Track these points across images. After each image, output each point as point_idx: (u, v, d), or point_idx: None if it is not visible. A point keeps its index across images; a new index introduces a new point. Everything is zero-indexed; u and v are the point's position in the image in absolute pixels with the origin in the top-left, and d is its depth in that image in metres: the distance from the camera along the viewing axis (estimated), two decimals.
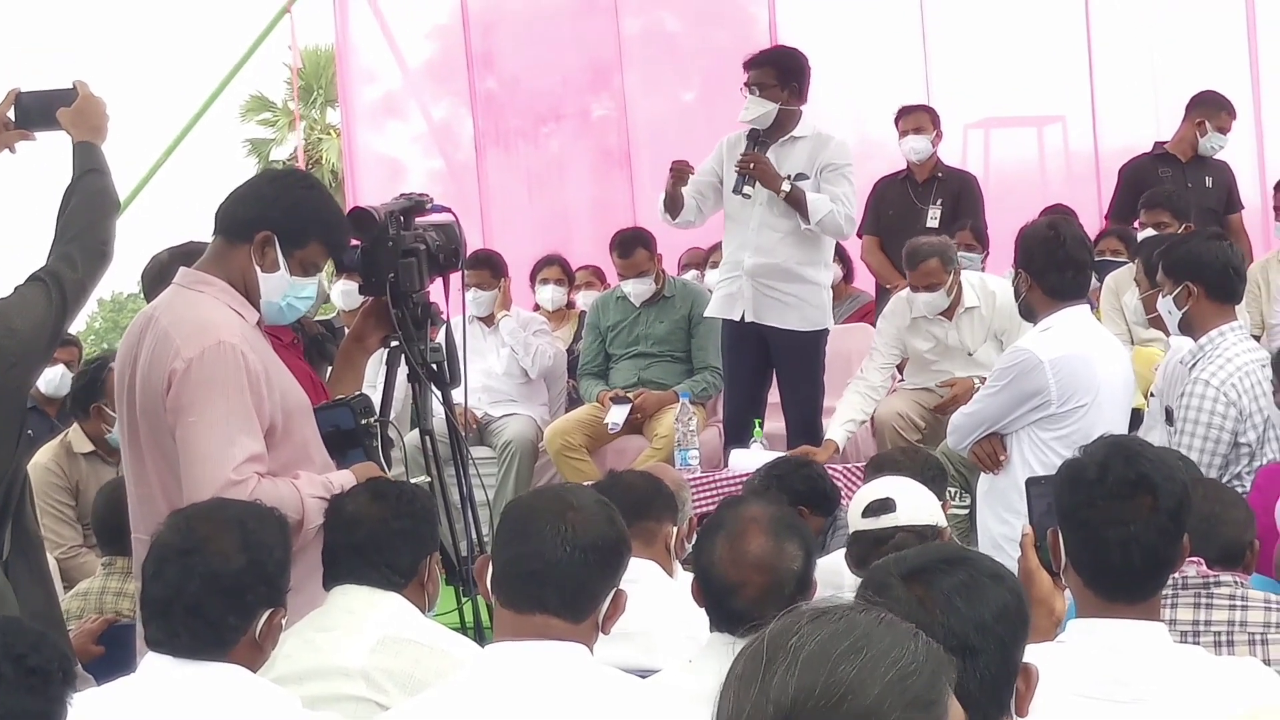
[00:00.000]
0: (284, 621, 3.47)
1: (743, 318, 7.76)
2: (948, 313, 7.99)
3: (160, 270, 5.06)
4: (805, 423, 7.84)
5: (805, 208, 7.52)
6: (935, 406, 7.95)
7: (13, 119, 4.76)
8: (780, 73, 7.67)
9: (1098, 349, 5.77)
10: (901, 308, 8.11)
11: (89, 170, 4.64)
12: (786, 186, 7.51)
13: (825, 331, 7.86)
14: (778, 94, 7.61)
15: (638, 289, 8.83)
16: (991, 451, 5.88)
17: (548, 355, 9.03)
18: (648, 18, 12.28)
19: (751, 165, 7.53)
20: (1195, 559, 3.74)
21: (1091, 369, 5.67)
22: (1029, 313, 5.84)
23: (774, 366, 7.91)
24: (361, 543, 3.95)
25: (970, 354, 7.97)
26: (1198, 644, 3.60)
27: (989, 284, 8.00)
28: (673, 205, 7.80)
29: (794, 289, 7.70)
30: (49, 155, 5.06)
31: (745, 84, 7.65)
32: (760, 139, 7.64)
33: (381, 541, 3.95)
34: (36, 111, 4.75)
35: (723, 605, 3.55)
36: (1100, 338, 5.92)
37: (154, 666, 3.31)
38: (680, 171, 7.72)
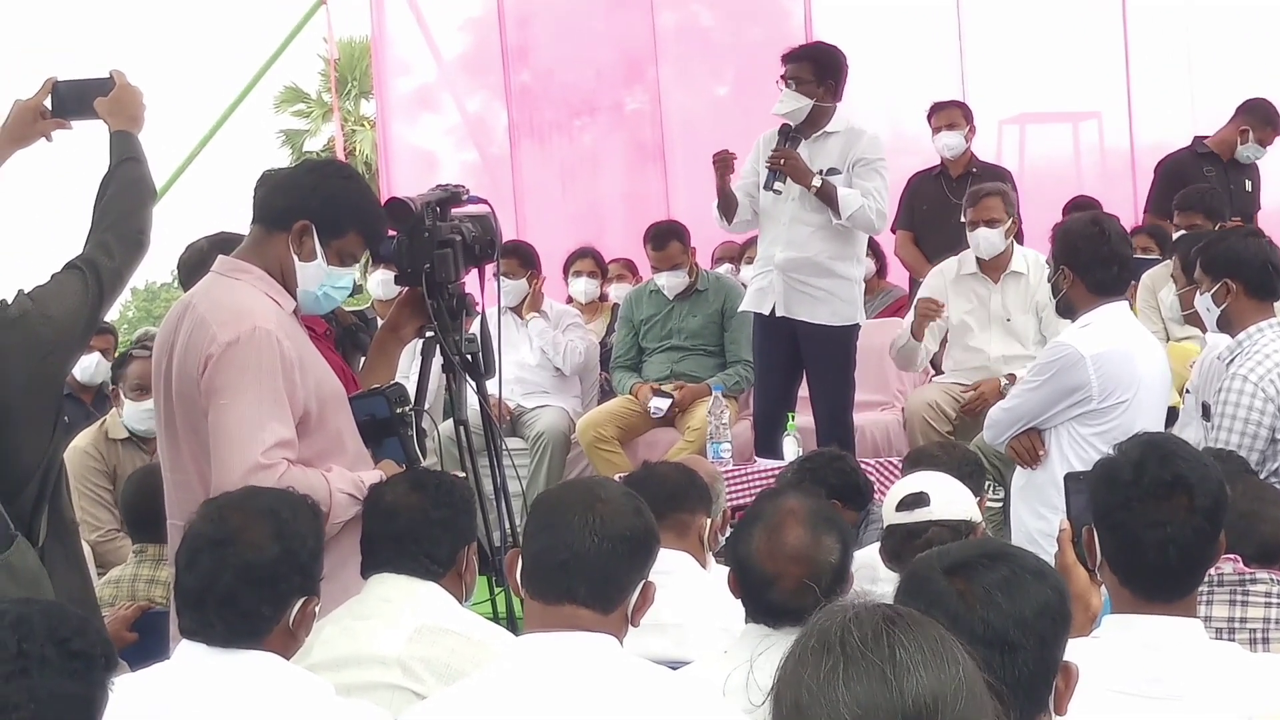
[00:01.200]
0: (317, 609, 3.48)
1: (773, 311, 7.75)
2: (994, 273, 7.97)
3: (198, 258, 5.09)
4: (835, 418, 7.80)
5: (836, 203, 7.50)
6: (963, 407, 7.93)
7: (49, 108, 4.78)
8: (818, 68, 7.64)
9: (1138, 345, 5.75)
10: (949, 266, 8.10)
11: (126, 159, 4.65)
12: (817, 182, 7.48)
13: (856, 327, 7.84)
14: (813, 89, 7.59)
15: (671, 282, 8.82)
16: (1030, 447, 5.86)
17: (579, 351, 9.02)
18: (682, 12, 12.27)
19: (782, 161, 7.52)
20: (1232, 556, 3.73)
21: (1133, 365, 5.66)
22: (1069, 309, 5.80)
23: (804, 361, 7.89)
24: (400, 532, 3.96)
25: (1008, 319, 7.94)
26: (1233, 640, 3.59)
27: (1038, 257, 7.95)
28: (726, 206, 7.76)
29: (825, 283, 7.68)
30: (86, 145, 5.07)
31: (782, 77, 7.63)
32: (793, 134, 7.62)
33: (420, 531, 3.96)
34: (73, 100, 4.76)
35: (760, 597, 3.56)
36: (1140, 334, 5.89)
37: (188, 654, 3.33)
38: (724, 161, 7.67)
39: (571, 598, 3.12)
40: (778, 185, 7.55)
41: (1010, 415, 5.93)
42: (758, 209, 7.82)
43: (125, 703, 2.90)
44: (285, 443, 4.11)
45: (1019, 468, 6.00)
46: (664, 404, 8.53)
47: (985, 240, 7.86)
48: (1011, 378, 7.60)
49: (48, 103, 4.77)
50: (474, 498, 4.32)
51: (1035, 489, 5.82)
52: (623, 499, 3.25)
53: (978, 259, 7.97)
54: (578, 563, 3.12)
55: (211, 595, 3.30)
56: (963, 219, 8.03)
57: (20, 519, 4.29)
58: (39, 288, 4.42)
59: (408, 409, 4.65)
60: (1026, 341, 7.89)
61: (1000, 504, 6.90)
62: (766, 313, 7.77)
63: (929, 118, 9.42)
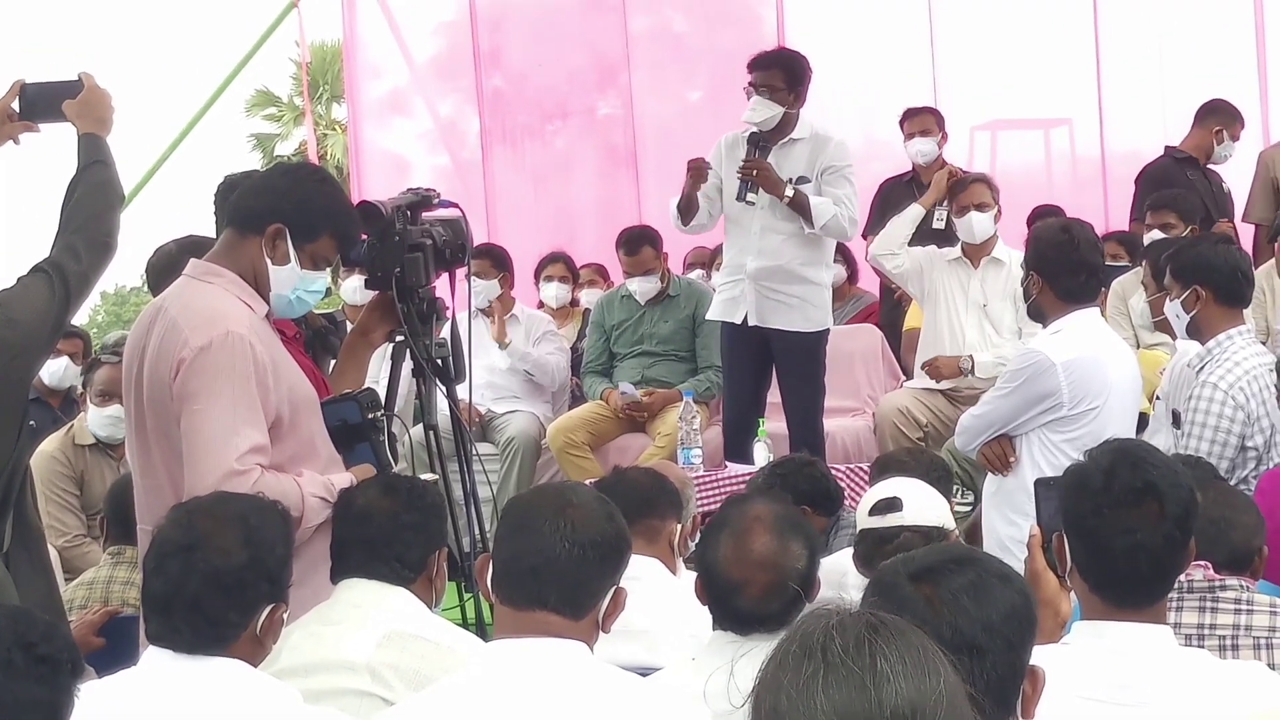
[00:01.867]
0: (285, 616, 3.46)
1: (744, 320, 7.74)
2: (975, 259, 8.02)
3: (167, 262, 5.06)
4: (807, 423, 7.81)
5: (809, 212, 7.51)
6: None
7: (17, 110, 4.75)
8: (788, 76, 7.64)
9: (1108, 352, 5.76)
10: (932, 250, 8.21)
11: (94, 162, 4.62)
12: (790, 192, 7.48)
13: (826, 332, 7.86)
14: (785, 97, 7.58)
15: (643, 287, 8.82)
16: (1001, 453, 5.87)
17: (561, 367, 9.08)
18: (655, 16, 12.27)
19: (754, 171, 7.51)
20: (1202, 563, 3.73)
21: (1103, 372, 5.67)
22: (1039, 314, 5.84)
23: (775, 368, 7.89)
24: (372, 536, 3.95)
25: (984, 305, 7.97)
26: (1203, 647, 3.59)
27: (1017, 255, 7.99)
28: (687, 209, 7.74)
29: (797, 290, 7.68)
30: (54, 147, 5.04)
31: (751, 84, 7.62)
32: (761, 142, 7.61)
33: (392, 535, 3.94)
34: (42, 103, 4.74)
35: (726, 603, 3.56)
36: (1111, 341, 5.92)
37: (154, 661, 3.31)
38: (699, 169, 7.63)
39: (542, 603, 3.11)
40: (750, 196, 7.54)
41: (981, 422, 5.94)
42: (714, 212, 7.81)
43: (90, 709, 2.88)
44: (259, 448, 4.09)
45: (990, 474, 6.00)
46: (631, 389, 8.53)
47: (977, 224, 7.94)
48: (969, 360, 7.80)
49: (15, 105, 4.74)
50: (444, 503, 4.31)
51: (1006, 495, 5.83)
52: (594, 504, 3.24)
53: (963, 245, 8.00)
54: (548, 568, 3.11)
55: (179, 600, 3.28)
56: (939, 214, 8.06)
57: None
58: (3, 292, 4.40)
59: (379, 414, 4.64)
60: (1001, 328, 7.94)
61: (969, 508, 6.92)
62: (738, 322, 7.77)
63: (901, 124, 9.42)
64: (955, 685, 1.93)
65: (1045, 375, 5.70)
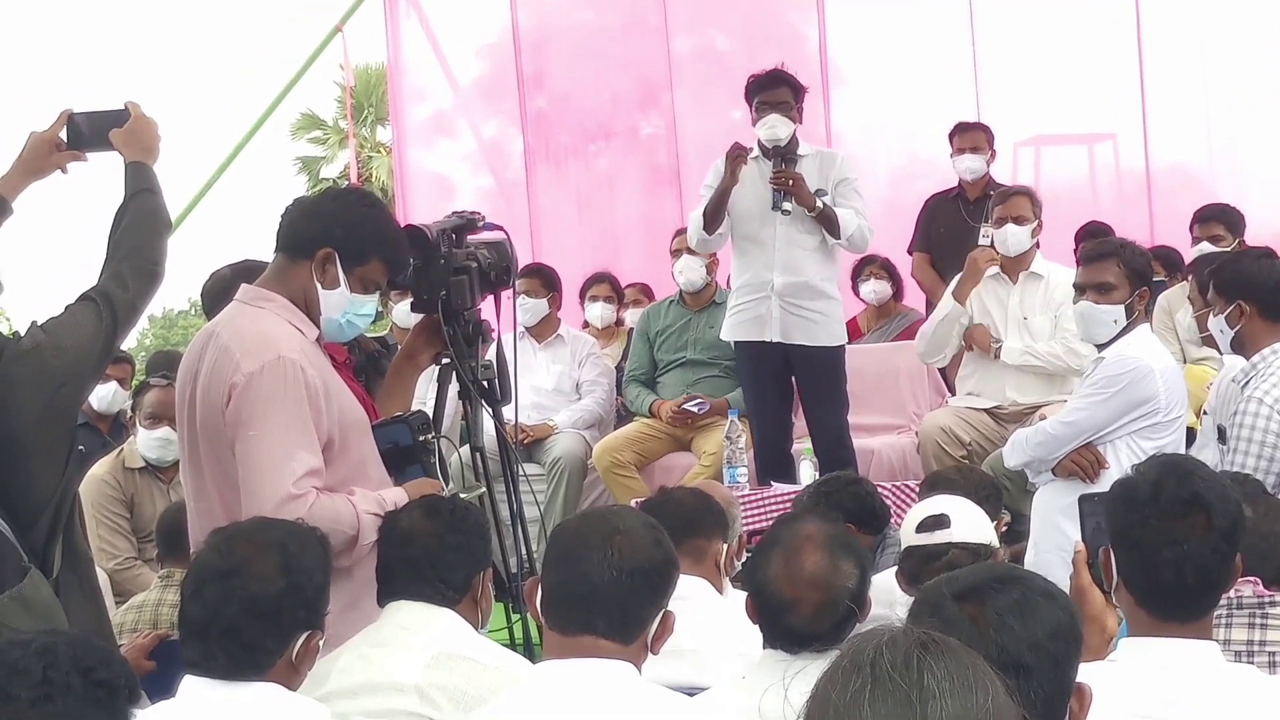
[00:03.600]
0: (325, 644, 3.48)
1: (770, 339, 7.74)
2: (1013, 273, 7.99)
3: (221, 287, 5.08)
4: (838, 440, 7.81)
5: (836, 224, 7.54)
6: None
7: (65, 139, 4.79)
8: (794, 92, 7.72)
9: (1176, 364, 5.80)
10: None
11: (141, 190, 4.64)
12: (819, 204, 7.52)
13: (844, 346, 7.89)
14: (796, 113, 7.67)
15: (690, 273, 8.85)
16: (1095, 459, 5.92)
17: (604, 402, 9.11)
18: (698, 37, 12.28)
19: (788, 182, 7.52)
20: (1251, 579, 3.72)
21: (1182, 381, 5.72)
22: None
23: (799, 385, 7.89)
24: (416, 558, 3.96)
25: (1025, 319, 7.95)
26: (1251, 664, 3.58)
27: (1061, 269, 7.98)
28: (716, 211, 7.70)
29: (819, 305, 7.71)
30: (101, 177, 5.08)
31: (765, 103, 7.65)
32: (787, 156, 7.63)
33: (436, 557, 3.96)
34: (89, 132, 4.76)
35: (777, 622, 3.56)
36: (1169, 353, 5.97)
37: (191, 689, 3.33)
38: (741, 156, 7.58)
39: (591, 630, 3.13)
40: (785, 206, 7.55)
41: (1073, 429, 5.98)
42: (725, 231, 7.80)
43: None
44: (314, 471, 4.12)
45: (1050, 487, 6.01)
46: (698, 405, 8.58)
47: (1013, 237, 7.89)
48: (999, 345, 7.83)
49: (63, 134, 4.78)
50: (488, 523, 4.33)
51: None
52: (642, 530, 3.25)
53: (1001, 258, 7.99)
54: (596, 597, 3.13)
55: (215, 626, 3.31)
56: (984, 225, 8.04)
57: (34, 551, 4.28)
58: (52, 319, 4.41)
59: (430, 436, 4.66)
60: (1042, 340, 7.90)
61: (1006, 527, 6.91)
62: (766, 340, 7.76)
63: (951, 138, 9.37)
64: (1005, 705, 1.92)
65: (1146, 381, 5.77)
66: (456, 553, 3.99)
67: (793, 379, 7.87)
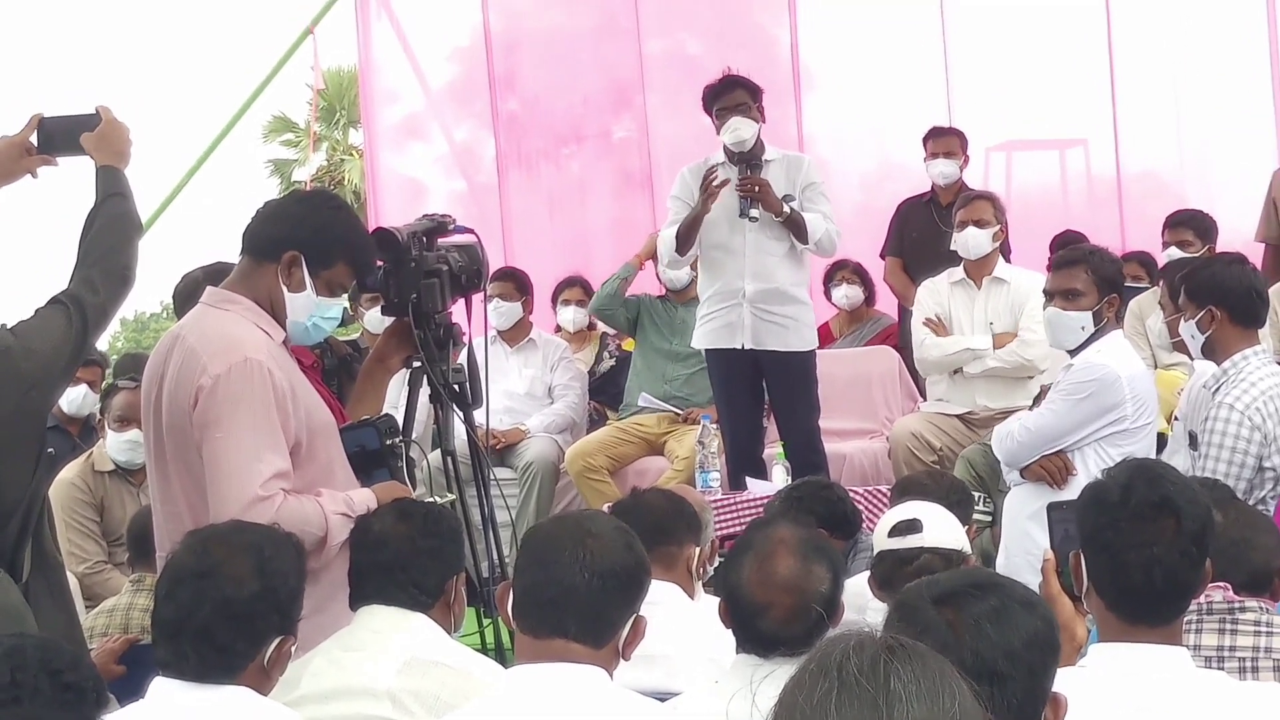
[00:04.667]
0: (294, 650, 3.47)
1: (742, 346, 7.75)
2: (977, 279, 7.99)
3: (193, 289, 5.07)
4: (809, 444, 7.82)
5: (803, 228, 7.55)
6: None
7: (35, 144, 4.77)
8: (750, 93, 7.72)
9: (1147, 370, 5.82)
10: (938, 279, 8.18)
11: (112, 194, 4.64)
12: (787, 209, 7.52)
13: (814, 351, 7.89)
14: (758, 113, 7.66)
15: (673, 273, 8.87)
16: (1063, 465, 5.95)
17: (576, 406, 9.09)
18: (669, 40, 12.27)
19: (754, 188, 7.52)
20: (1222, 584, 3.73)
21: (1152, 387, 5.74)
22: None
23: (769, 391, 7.89)
24: (388, 562, 3.96)
25: (990, 323, 7.96)
26: (1222, 669, 3.59)
27: (1029, 273, 8.01)
28: (689, 233, 7.69)
29: (790, 310, 7.72)
30: (71, 181, 5.06)
31: (724, 108, 7.64)
32: (753, 162, 7.63)
33: (408, 561, 3.96)
34: (60, 136, 4.75)
35: (750, 626, 3.56)
36: (1139, 360, 5.99)
37: (161, 691, 3.32)
38: (718, 190, 7.56)
39: (562, 633, 3.12)
40: (753, 213, 7.55)
41: (1039, 436, 6.00)
42: (694, 244, 7.79)
43: None
44: (281, 474, 4.11)
45: (1020, 491, 6.03)
46: (658, 402, 8.59)
47: (973, 239, 7.91)
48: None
49: (34, 139, 4.76)
50: (461, 528, 4.32)
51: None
52: (614, 534, 3.25)
53: (964, 264, 8.00)
54: (568, 599, 3.13)
55: (188, 627, 3.30)
56: (956, 237, 8.06)
57: (2, 555, 4.28)
58: (21, 322, 4.41)
59: (397, 440, 4.66)
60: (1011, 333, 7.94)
61: (989, 517, 6.92)
62: (737, 347, 7.76)
63: (925, 142, 9.38)
64: (972, 709, 1.93)
65: (1112, 388, 5.80)
66: (429, 557, 3.99)
67: (764, 384, 7.86)
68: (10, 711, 2.68)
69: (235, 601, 3.31)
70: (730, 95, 7.69)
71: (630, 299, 9.23)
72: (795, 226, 7.57)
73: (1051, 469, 6.01)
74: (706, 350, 7.99)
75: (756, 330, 7.71)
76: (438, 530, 4.05)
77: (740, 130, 7.60)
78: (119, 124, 4.75)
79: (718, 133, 7.73)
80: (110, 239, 4.56)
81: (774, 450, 7.94)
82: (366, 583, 3.99)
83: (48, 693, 2.72)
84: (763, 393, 7.91)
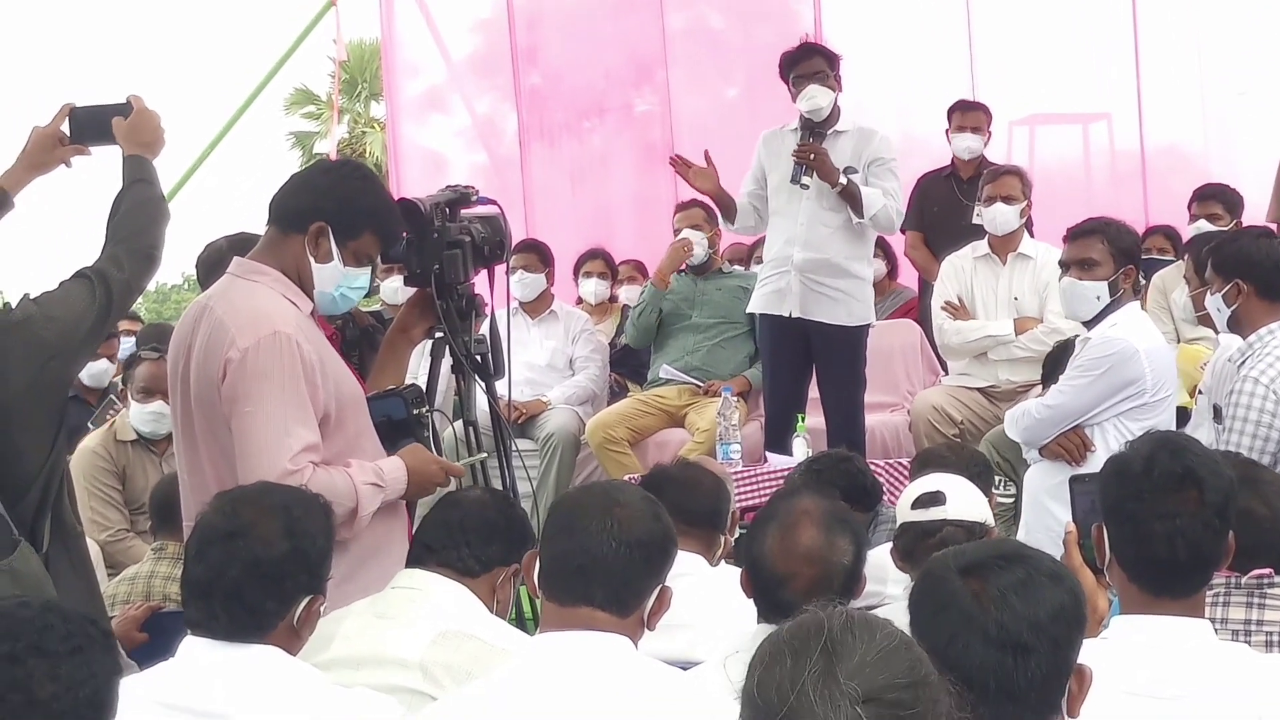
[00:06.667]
0: (323, 609, 3.48)
1: (789, 314, 7.74)
2: (1002, 255, 7.98)
3: (217, 257, 5.09)
4: (848, 418, 7.82)
5: (860, 202, 7.53)
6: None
7: (67, 134, 4.77)
8: (828, 60, 7.73)
9: (1166, 343, 5.79)
10: (962, 253, 8.15)
11: (138, 180, 4.66)
12: (843, 180, 7.50)
13: (868, 327, 7.86)
14: (834, 83, 7.65)
15: (699, 250, 8.87)
16: (1080, 443, 5.93)
17: (598, 378, 9.09)
18: (691, 13, 12.25)
19: (810, 155, 7.51)
20: (1266, 571, 3.70)
21: (1171, 361, 5.72)
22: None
23: (815, 362, 7.88)
24: (456, 520, 3.97)
25: (1015, 299, 7.95)
26: (1248, 643, 3.58)
27: (1050, 248, 7.97)
28: (724, 211, 7.90)
29: (842, 284, 7.70)
30: (101, 169, 5.07)
31: (801, 75, 7.64)
32: (815, 128, 7.63)
33: (472, 522, 3.96)
34: (91, 126, 4.75)
35: (772, 596, 3.57)
36: (1157, 333, 5.96)
37: (191, 650, 3.35)
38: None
39: (588, 601, 3.13)
40: (805, 179, 7.55)
41: (1057, 412, 5.98)
42: (764, 213, 7.84)
43: (130, 698, 2.90)
44: (311, 446, 4.11)
45: (1040, 467, 6.01)
46: (677, 373, 8.63)
47: (1001, 215, 7.89)
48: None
49: (65, 129, 4.76)
50: (533, 534, 4.27)
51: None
52: (642, 504, 3.26)
53: (989, 239, 7.98)
54: (595, 567, 3.14)
55: (218, 587, 3.33)
56: (976, 204, 8.03)
57: (23, 524, 4.29)
58: (45, 293, 4.44)
59: (424, 410, 4.66)
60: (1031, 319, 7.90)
61: (1011, 500, 6.90)
62: (784, 314, 7.76)
63: (950, 115, 9.34)
64: (928, 677, 2.02)
65: (1130, 362, 5.78)
66: (494, 529, 3.98)
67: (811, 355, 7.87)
68: (78, 660, 2.68)
69: (265, 561, 3.34)
70: (808, 63, 7.69)
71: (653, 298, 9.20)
72: (851, 199, 7.55)
73: (1069, 446, 6.00)
74: (759, 315, 8.01)
75: (804, 299, 7.71)
76: (512, 514, 4.08)
77: (817, 98, 7.61)
78: (150, 113, 4.76)
79: (794, 100, 7.72)
80: (138, 220, 4.59)
81: (809, 423, 7.91)
82: (426, 533, 3.99)
83: (98, 640, 2.74)
84: (809, 363, 7.90)
